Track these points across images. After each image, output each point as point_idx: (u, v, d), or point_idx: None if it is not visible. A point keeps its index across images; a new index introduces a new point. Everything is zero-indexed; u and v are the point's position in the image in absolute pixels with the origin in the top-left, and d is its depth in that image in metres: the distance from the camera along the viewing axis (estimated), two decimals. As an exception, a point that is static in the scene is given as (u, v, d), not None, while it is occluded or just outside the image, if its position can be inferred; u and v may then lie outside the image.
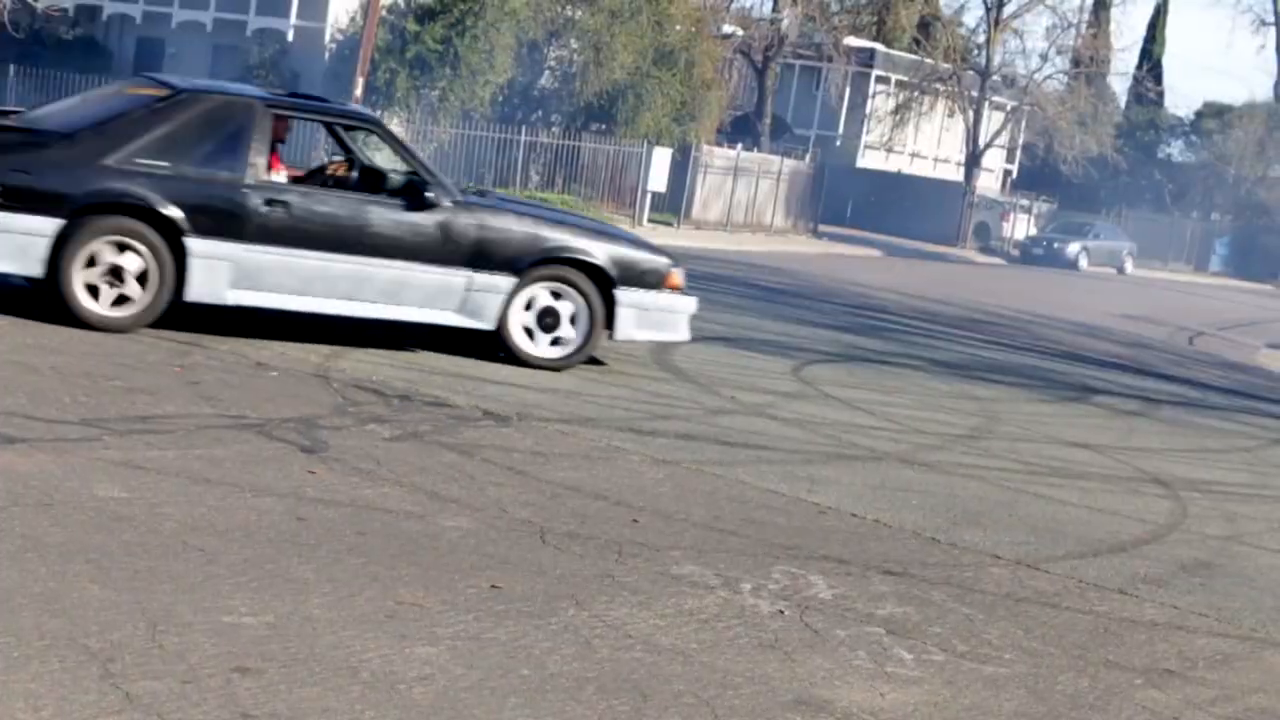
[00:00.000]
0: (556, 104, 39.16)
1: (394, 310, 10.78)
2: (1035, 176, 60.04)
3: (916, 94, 53.90)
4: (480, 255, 10.81)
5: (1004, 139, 56.59)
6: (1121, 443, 12.20)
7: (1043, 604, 6.91)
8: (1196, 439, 13.17)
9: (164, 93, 10.52)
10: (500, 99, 37.60)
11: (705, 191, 40.42)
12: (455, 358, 11.01)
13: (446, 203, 10.77)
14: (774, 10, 53.32)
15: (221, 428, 7.89)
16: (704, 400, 11.06)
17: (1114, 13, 60.60)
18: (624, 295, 11.26)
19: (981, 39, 53.10)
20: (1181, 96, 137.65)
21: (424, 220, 10.70)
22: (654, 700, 4.98)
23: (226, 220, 10.16)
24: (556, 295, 11.11)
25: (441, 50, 35.00)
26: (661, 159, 35.97)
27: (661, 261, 11.63)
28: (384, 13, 34.04)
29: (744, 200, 41.58)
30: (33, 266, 9.85)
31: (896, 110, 55.04)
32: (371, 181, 11.09)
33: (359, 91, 31.24)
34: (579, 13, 38.47)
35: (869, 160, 58.48)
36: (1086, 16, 56.53)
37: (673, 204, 38.14)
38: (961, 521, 8.38)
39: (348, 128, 11.53)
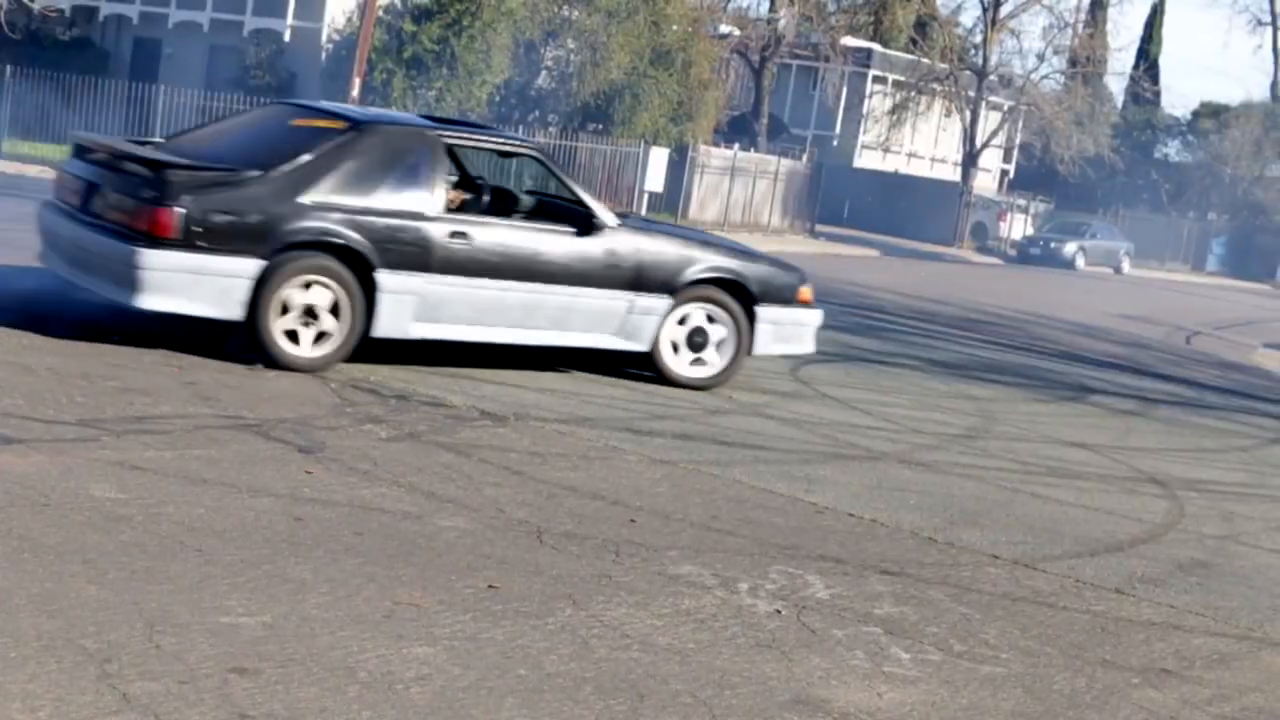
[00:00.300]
0: (553, 104, 39.15)
1: (559, 336, 10.86)
2: (1032, 176, 60.05)
3: (913, 94, 53.88)
4: (640, 278, 10.94)
5: (1001, 139, 56.60)
6: (1118, 442, 12.21)
7: (1040, 603, 6.92)
8: (1193, 438, 13.18)
9: (343, 125, 10.30)
10: (497, 99, 37.59)
11: (702, 191, 40.44)
12: (452, 358, 11.01)
13: (610, 227, 10.88)
14: (771, 10, 53.34)
15: (218, 428, 7.89)
16: (701, 400, 11.05)
17: (1111, 12, 60.68)
18: (763, 312, 11.48)
19: (978, 39, 53.10)
20: (1178, 96, 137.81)
21: (590, 245, 10.79)
22: (651, 700, 4.98)
23: (413, 254, 10.05)
24: (706, 315, 11.32)
25: (438, 50, 35.00)
26: (658, 159, 35.98)
27: (795, 277, 11.89)
28: (381, 13, 34.04)
29: (741, 200, 41.59)
30: (233, 310, 9.54)
31: (893, 110, 55.03)
32: (531, 208, 11.32)
33: (355, 92, 31.24)
34: (576, 13, 38.47)
35: (866, 160, 58.50)
36: (1083, 16, 56.53)
37: (670, 204, 38.14)
38: (959, 521, 8.39)
39: (509, 154, 11.63)
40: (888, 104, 56.45)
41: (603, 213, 10.95)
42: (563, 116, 38.78)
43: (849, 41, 55.24)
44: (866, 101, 58.56)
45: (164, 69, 38.94)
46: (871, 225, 50.10)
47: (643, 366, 11.37)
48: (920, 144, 60.44)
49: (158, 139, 11.59)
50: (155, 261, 9.28)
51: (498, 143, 11.53)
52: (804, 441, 10.11)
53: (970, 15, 67.34)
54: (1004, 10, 51.13)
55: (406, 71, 35.15)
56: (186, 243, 9.33)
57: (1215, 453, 12.53)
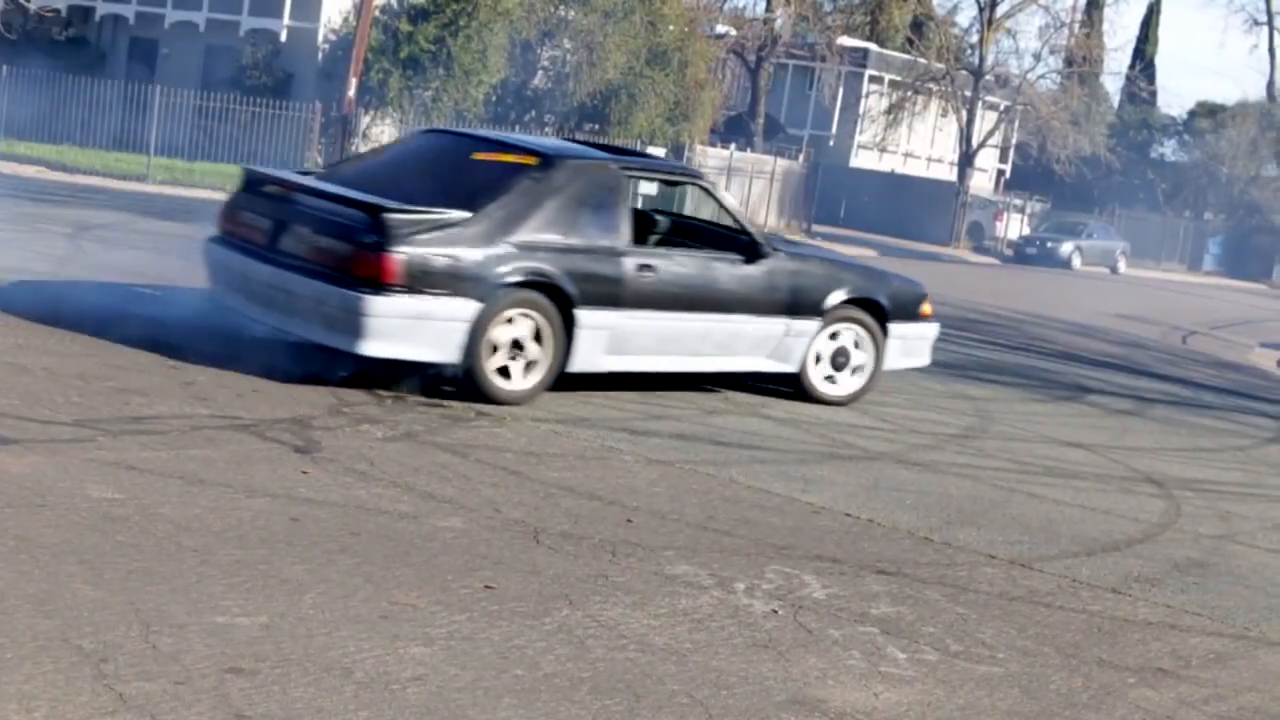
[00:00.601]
0: (550, 104, 39.16)
1: (724, 361, 11.11)
2: (1028, 176, 60.06)
3: (910, 94, 53.91)
4: (794, 302, 11.20)
5: (997, 139, 56.60)
6: (1115, 442, 12.21)
7: (1036, 603, 6.92)
8: (1190, 438, 13.18)
9: (535, 160, 10.28)
10: (493, 99, 37.59)
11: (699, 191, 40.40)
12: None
13: (771, 255, 11.13)
14: (767, 10, 53.36)
15: (215, 428, 7.89)
16: (698, 400, 11.06)
17: (1107, 12, 60.82)
18: (894, 329, 11.87)
19: (975, 39, 53.10)
20: (1174, 96, 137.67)
21: (755, 272, 11.02)
22: (648, 700, 4.98)
23: (607, 288, 10.12)
24: (848, 334, 11.67)
25: (435, 50, 35.00)
26: (655, 159, 35.96)
27: (919, 293, 12.29)
28: (377, 13, 34.02)
29: (737, 200, 41.46)
30: (451, 352, 9.44)
31: (890, 110, 55.06)
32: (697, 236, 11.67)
33: (352, 92, 31.24)
34: (572, 13, 38.48)
35: (862, 160, 58.53)
36: (1079, 16, 56.59)
37: (666, 204, 38.13)
38: (955, 521, 8.39)
39: (674, 183, 11.77)
40: (884, 104, 56.48)
41: (764, 240, 11.21)
42: (559, 117, 38.79)
43: (845, 41, 55.31)
44: (863, 101, 58.62)
45: (160, 69, 38.91)
46: (868, 225, 50.09)
47: (785, 384, 11.66)
48: (917, 144, 60.47)
49: (315, 169, 11.42)
50: (380, 308, 9.13)
51: (666, 173, 11.73)
52: (800, 441, 10.11)
53: (966, 15, 67.59)
54: (1000, 10, 51.15)
55: (403, 71, 35.16)
56: (409, 288, 9.23)
57: (1212, 452, 12.53)
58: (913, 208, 51.57)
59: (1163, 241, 57.72)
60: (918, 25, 56.76)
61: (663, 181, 11.86)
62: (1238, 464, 12.11)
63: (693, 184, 11.66)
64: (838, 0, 59.44)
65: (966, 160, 51.46)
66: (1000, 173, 63.74)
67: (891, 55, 57.99)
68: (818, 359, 11.54)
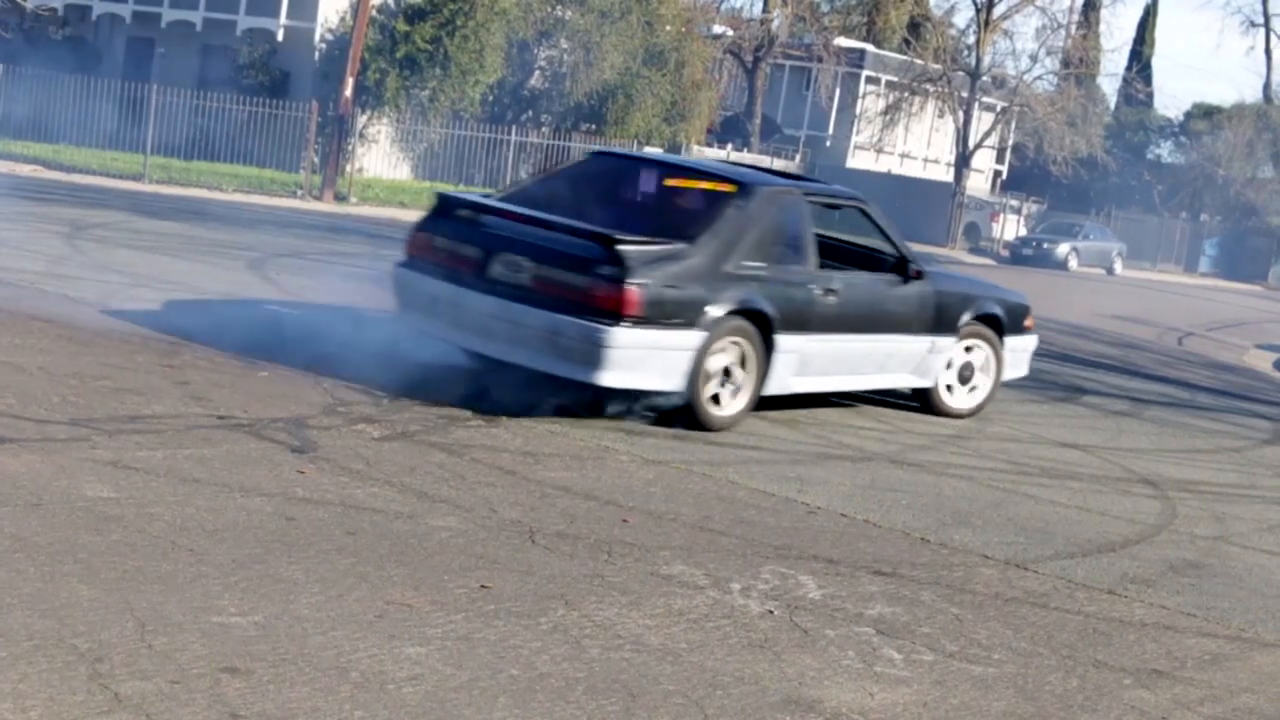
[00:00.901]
0: (546, 104, 39.19)
1: (877, 380, 11.47)
2: (1025, 177, 60.11)
3: (906, 94, 53.94)
4: (937, 320, 11.63)
5: (993, 140, 56.67)
6: (1110, 443, 12.22)
7: (1032, 604, 6.93)
8: (1185, 439, 13.19)
9: (734, 188, 10.39)
10: (490, 99, 37.63)
11: (696, 192, 40.39)
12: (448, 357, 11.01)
13: (925, 274, 11.46)
14: (764, 11, 53.38)
15: (211, 428, 7.88)
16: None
17: (1104, 14, 60.78)
18: (1008, 342, 12.40)
19: (971, 40, 53.15)
20: (1170, 97, 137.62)
21: (910, 293, 11.42)
22: (643, 700, 4.98)
23: (800, 313, 10.32)
24: (971, 349, 12.12)
25: (431, 50, 35.01)
26: (652, 159, 35.98)
27: (1026, 306, 12.82)
28: (374, 12, 34.02)
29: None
30: (677, 381, 9.59)
31: (886, 111, 55.09)
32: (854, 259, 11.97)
33: (349, 92, 31.23)
34: (569, 13, 38.51)
35: (859, 161, 58.56)
36: (1076, 17, 56.65)
37: (663, 204, 38.09)
38: (951, 522, 8.39)
39: (838, 207, 11.96)
40: (881, 104, 56.52)
41: (917, 262, 11.48)
42: (556, 116, 38.83)
43: (842, 42, 55.34)
44: (860, 102, 58.64)
45: (157, 68, 38.90)
46: (865, 226, 50.01)
47: (913, 399, 12.14)
48: (913, 144, 60.50)
49: (490, 190, 11.44)
50: (621, 340, 9.20)
51: (832, 197, 12.04)
52: (797, 442, 10.12)
53: (963, 16, 67.59)
54: (997, 11, 51.19)
55: (400, 71, 35.16)
56: (645, 319, 9.31)
57: (1207, 454, 12.54)
58: (909, 208, 51.44)
59: (1159, 243, 57.76)
60: (915, 26, 56.79)
61: (828, 205, 12.04)
62: (1233, 465, 12.12)
63: (855, 207, 11.81)
64: (835, 1, 59.49)
65: (963, 161, 51.48)
66: (997, 173, 63.77)
67: (888, 56, 58.02)
68: (946, 374, 11.93)
